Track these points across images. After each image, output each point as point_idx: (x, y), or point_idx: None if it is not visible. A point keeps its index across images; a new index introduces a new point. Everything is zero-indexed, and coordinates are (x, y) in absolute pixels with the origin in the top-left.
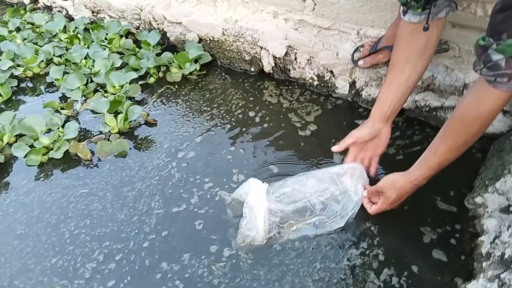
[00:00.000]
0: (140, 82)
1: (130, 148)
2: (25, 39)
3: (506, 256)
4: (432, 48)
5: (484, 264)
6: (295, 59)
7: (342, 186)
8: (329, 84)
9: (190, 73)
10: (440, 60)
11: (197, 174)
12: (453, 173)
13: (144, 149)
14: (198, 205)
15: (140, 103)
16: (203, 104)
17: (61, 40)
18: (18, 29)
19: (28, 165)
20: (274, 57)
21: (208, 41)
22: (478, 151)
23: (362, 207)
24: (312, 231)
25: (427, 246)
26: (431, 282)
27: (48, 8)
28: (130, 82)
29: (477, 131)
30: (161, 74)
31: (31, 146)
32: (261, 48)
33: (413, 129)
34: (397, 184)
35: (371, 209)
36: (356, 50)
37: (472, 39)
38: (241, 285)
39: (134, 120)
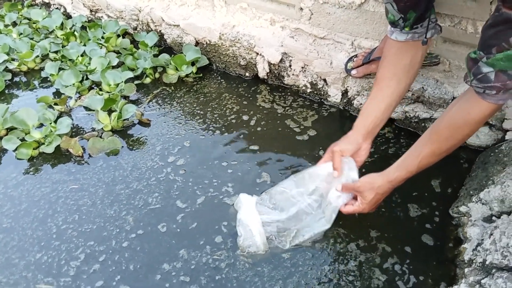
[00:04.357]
0: (136, 82)
1: (122, 147)
2: (21, 33)
3: (487, 262)
4: (417, 67)
5: (466, 270)
6: (290, 66)
7: (332, 180)
8: (322, 92)
9: (187, 76)
10: (431, 73)
11: (190, 178)
12: (439, 183)
13: (136, 149)
14: (193, 210)
15: (135, 102)
16: (197, 108)
17: (58, 37)
18: (14, 24)
19: (18, 159)
20: (269, 63)
21: (205, 45)
22: (464, 162)
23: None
24: (312, 231)
25: (410, 253)
26: None
27: (46, 5)
28: (126, 81)
29: (462, 139)
30: (157, 75)
31: (22, 140)
32: (257, 54)
33: (401, 139)
34: (375, 184)
35: (346, 208)
36: (349, 60)
37: (463, 54)
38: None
39: (128, 118)
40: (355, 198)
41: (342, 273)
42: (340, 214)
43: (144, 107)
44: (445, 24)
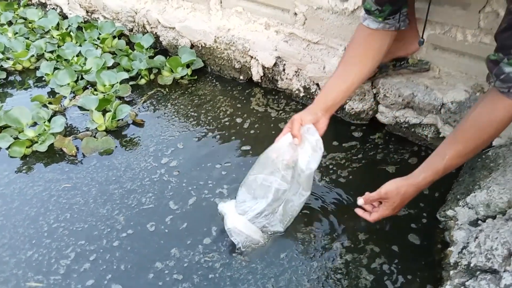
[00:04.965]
0: (131, 83)
1: (116, 147)
2: (17, 33)
3: (471, 265)
4: (382, 54)
5: (451, 272)
6: (284, 70)
7: (295, 149)
8: (315, 96)
9: (181, 78)
10: (421, 79)
11: (184, 179)
12: (427, 188)
13: (130, 149)
14: (185, 211)
15: (129, 103)
16: (191, 110)
17: (53, 37)
18: (10, 23)
19: (11, 157)
20: (263, 67)
21: (200, 48)
22: None
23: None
24: (296, 204)
25: (399, 256)
26: None
27: (43, 5)
28: (121, 82)
29: (488, 138)
30: (152, 77)
31: (16, 138)
32: (251, 57)
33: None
34: (401, 189)
35: (372, 216)
36: None
37: (452, 61)
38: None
39: (122, 119)
40: (380, 202)
41: (331, 271)
42: (330, 214)
43: (139, 108)
44: (435, 31)
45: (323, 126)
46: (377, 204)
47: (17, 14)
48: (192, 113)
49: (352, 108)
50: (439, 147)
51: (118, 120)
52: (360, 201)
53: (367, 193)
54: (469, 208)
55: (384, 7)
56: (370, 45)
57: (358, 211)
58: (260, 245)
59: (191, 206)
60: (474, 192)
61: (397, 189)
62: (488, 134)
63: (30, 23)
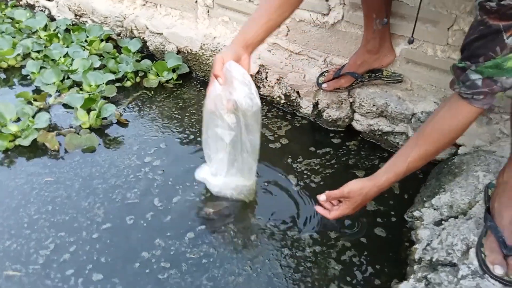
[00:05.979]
0: (117, 85)
1: (99, 144)
2: (3, 32)
3: (434, 260)
4: (298, 5)
5: (415, 267)
6: (266, 77)
7: (226, 90)
8: (295, 104)
9: (167, 81)
10: (394, 90)
11: (168, 177)
12: (397, 191)
13: (113, 148)
14: (169, 208)
15: (114, 103)
16: (175, 112)
17: (40, 37)
18: None
19: None
20: None
21: (186, 54)
22: (421, 173)
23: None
24: (253, 142)
25: (368, 255)
26: (367, 286)
27: (31, 7)
28: (107, 83)
29: (449, 142)
30: (138, 79)
31: None
32: None
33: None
34: (364, 189)
35: (332, 214)
36: (321, 74)
37: (423, 75)
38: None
39: (106, 118)
40: (339, 200)
41: (301, 259)
42: (299, 212)
43: (124, 108)
44: (408, 46)
45: (246, 63)
46: (337, 202)
47: (4, 14)
48: (176, 116)
49: (330, 116)
50: (401, 150)
51: (103, 118)
52: (322, 197)
53: (328, 191)
54: (434, 209)
55: None
56: None
57: (318, 208)
58: (250, 189)
59: (175, 204)
60: (439, 195)
61: (360, 189)
62: (449, 138)
63: (17, 23)
